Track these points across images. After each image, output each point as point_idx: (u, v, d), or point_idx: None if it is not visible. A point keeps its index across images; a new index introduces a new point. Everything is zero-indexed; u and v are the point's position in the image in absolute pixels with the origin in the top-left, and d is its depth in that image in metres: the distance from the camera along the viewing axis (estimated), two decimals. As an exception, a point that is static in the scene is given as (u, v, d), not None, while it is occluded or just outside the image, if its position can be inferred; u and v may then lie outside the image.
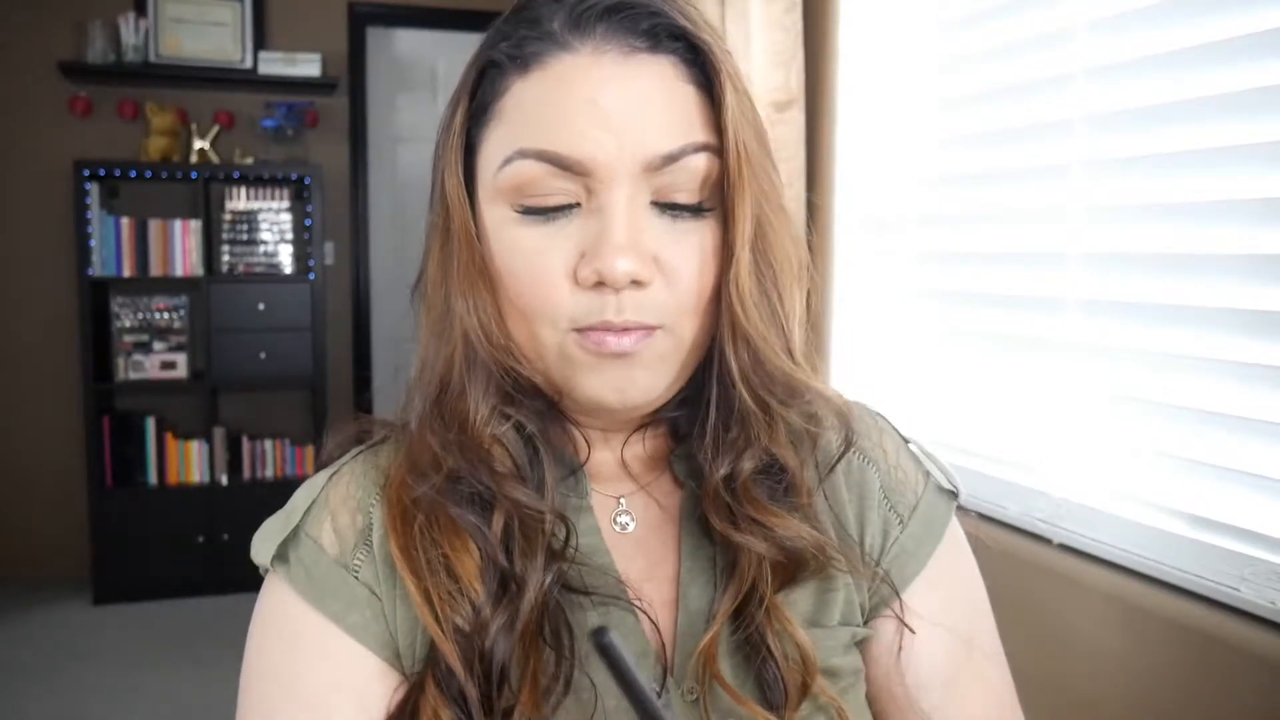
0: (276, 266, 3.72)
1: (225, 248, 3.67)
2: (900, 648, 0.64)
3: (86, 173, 3.45)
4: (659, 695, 0.59)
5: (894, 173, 1.85)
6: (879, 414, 0.71)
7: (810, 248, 0.65)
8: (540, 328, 0.58)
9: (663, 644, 0.60)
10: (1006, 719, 0.66)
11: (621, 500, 0.65)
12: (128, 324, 3.60)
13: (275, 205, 3.71)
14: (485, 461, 0.59)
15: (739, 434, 0.60)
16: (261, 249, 3.71)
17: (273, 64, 3.69)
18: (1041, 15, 1.47)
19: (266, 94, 3.79)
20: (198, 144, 3.65)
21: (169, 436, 3.64)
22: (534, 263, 0.57)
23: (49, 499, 3.72)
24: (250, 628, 0.62)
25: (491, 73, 0.59)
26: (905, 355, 1.82)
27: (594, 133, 0.55)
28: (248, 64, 3.72)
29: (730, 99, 0.57)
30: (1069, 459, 1.41)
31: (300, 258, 3.75)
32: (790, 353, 0.61)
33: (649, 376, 0.58)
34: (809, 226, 0.79)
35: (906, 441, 0.70)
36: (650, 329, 0.57)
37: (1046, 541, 1.40)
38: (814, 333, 0.65)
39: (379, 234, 4.11)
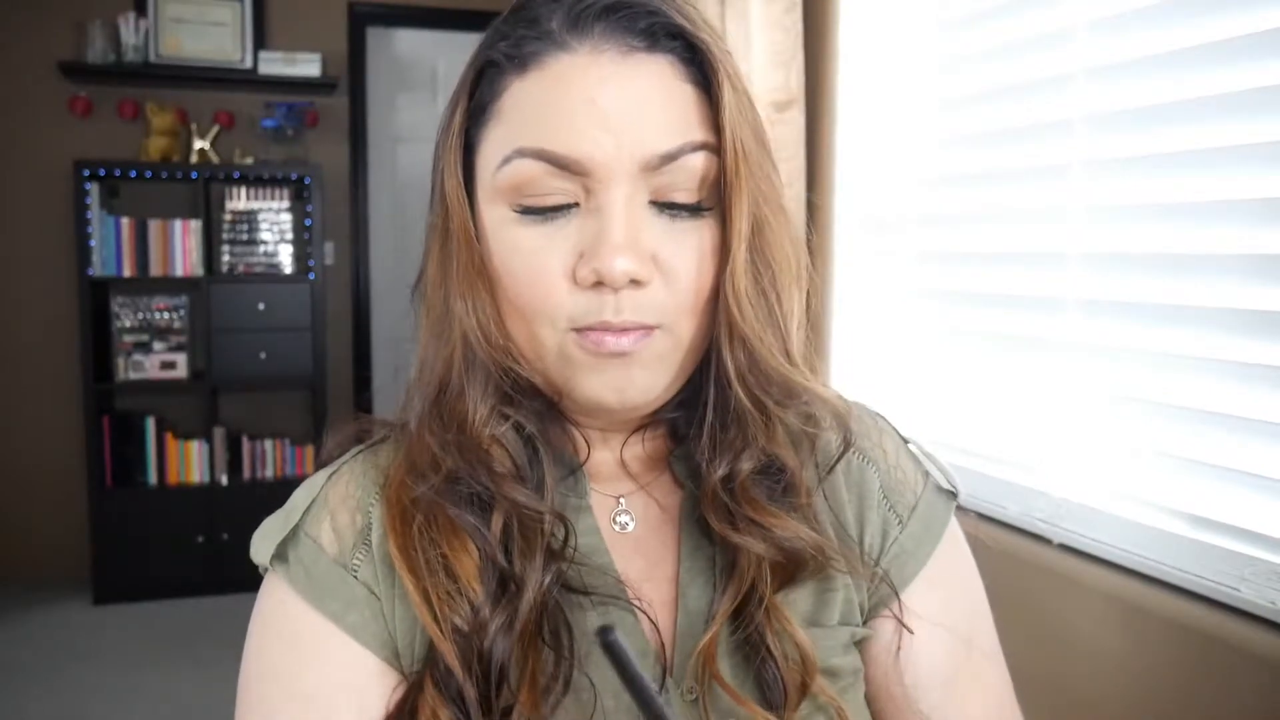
0: (276, 266, 3.72)
1: (225, 248, 3.67)
2: (899, 648, 0.64)
3: (86, 173, 3.45)
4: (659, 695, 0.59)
5: (894, 173, 1.85)
6: (879, 414, 0.71)
7: (810, 248, 0.64)
8: (539, 328, 0.58)
9: (662, 644, 0.60)
10: (1006, 719, 0.66)
11: (621, 500, 0.65)
12: (128, 324, 3.60)
13: (275, 205, 3.71)
14: (484, 462, 0.58)
15: (736, 434, 0.60)
16: (261, 249, 3.71)
17: (273, 64, 3.69)
18: (1041, 15, 1.47)
19: (266, 94, 3.79)
20: (198, 144, 3.65)
21: (169, 436, 3.64)
22: (533, 263, 0.57)
23: (49, 499, 3.72)
24: (249, 627, 0.62)
25: (490, 73, 0.59)
26: (905, 355, 1.82)
27: (592, 132, 0.55)
28: (248, 64, 3.72)
29: (728, 98, 0.57)
30: (1069, 459, 1.41)
31: (300, 258, 3.75)
32: (788, 353, 0.61)
33: (648, 376, 0.58)
34: (809, 226, 0.78)
35: (906, 442, 0.70)
36: (649, 329, 0.57)
37: (1046, 541, 1.40)
38: (814, 333, 0.65)
39: (379, 234, 4.11)
